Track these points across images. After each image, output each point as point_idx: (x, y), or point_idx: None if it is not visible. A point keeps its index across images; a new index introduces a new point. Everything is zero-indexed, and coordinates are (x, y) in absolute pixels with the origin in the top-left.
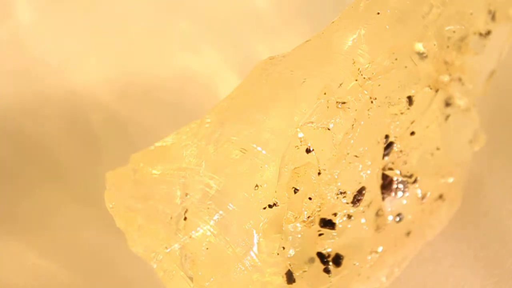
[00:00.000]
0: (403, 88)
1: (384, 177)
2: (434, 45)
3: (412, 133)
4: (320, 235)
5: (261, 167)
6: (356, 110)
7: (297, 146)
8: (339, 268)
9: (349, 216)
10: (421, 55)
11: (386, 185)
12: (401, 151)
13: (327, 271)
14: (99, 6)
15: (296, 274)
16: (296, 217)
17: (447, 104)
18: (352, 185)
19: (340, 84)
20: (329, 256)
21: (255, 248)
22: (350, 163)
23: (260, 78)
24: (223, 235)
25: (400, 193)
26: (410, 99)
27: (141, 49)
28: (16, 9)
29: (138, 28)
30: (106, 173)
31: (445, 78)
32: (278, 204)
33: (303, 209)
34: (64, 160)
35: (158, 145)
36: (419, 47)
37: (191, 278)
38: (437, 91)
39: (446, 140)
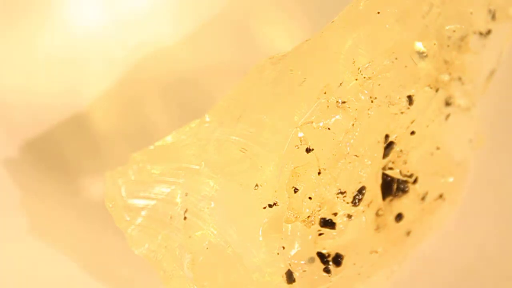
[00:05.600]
0: (403, 87)
1: (384, 176)
2: (434, 44)
3: (412, 133)
4: (320, 234)
5: (261, 166)
6: (356, 109)
7: (297, 146)
8: (339, 268)
9: (349, 216)
10: (421, 55)
11: (386, 184)
12: (401, 150)
13: (327, 270)
14: (101, 5)
15: (296, 274)
16: (296, 217)
17: (447, 103)
18: (352, 185)
19: (340, 84)
20: (329, 255)
21: (255, 248)
22: (350, 162)
23: (260, 77)
24: (223, 235)
25: (400, 193)
26: (410, 99)
27: (140, 48)
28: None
29: (137, 27)
30: (105, 173)
31: (445, 77)
32: (278, 203)
33: (303, 208)
34: (64, 160)
35: (158, 145)
36: (419, 46)
37: (190, 278)
38: (437, 90)
39: (446, 140)
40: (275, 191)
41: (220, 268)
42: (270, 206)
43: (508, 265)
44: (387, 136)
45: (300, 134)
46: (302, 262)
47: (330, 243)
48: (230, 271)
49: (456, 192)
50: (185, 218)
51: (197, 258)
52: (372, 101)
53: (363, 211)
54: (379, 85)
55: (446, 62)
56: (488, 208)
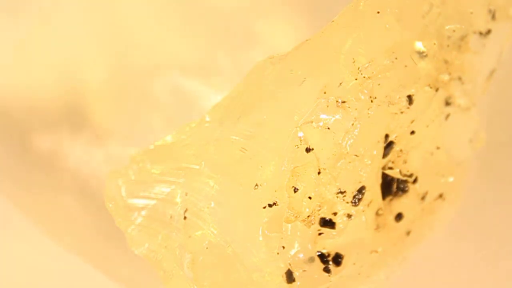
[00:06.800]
0: (403, 87)
1: (384, 176)
2: (434, 44)
3: (412, 132)
4: (320, 234)
5: (261, 166)
6: (356, 109)
7: (297, 146)
8: (339, 268)
9: (349, 216)
10: (421, 54)
11: (386, 184)
12: (401, 150)
13: (327, 270)
14: (101, 5)
15: (296, 274)
16: (296, 217)
17: (447, 103)
18: (352, 185)
19: (340, 83)
20: (329, 255)
21: (255, 248)
22: (350, 162)
23: (260, 77)
24: (223, 235)
25: (400, 193)
26: (410, 98)
27: (141, 48)
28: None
29: (137, 27)
30: (106, 173)
31: (445, 77)
32: (278, 203)
33: (303, 208)
34: (64, 160)
35: (157, 144)
36: (419, 46)
37: (190, 278)
38: (437, 90)
39: (446, 139)
40: (275, 191)
41: (220, 268)
42: (270, 206)
43: (508, 265)
44: (387, 136)
45: (300, 134)
46: (301, 259)
47: (330, 242)
48: (230, 271)
49: (456, 192)
50: (185, 218)
51: (197, 258)
52: (372, 101)
53: (363, 211)
54: (379, 84)
55: (446, 62)
56: (488, 209)
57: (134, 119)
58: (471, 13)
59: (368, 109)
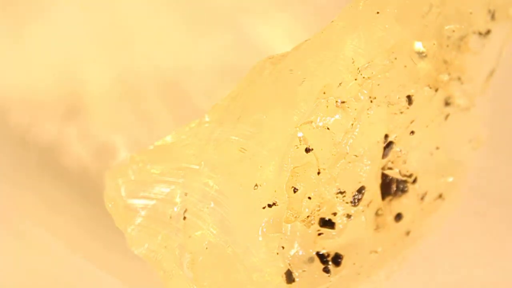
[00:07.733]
0: (402, 87)
1: (384, 176)
2: (434, 44)
3: (412, 133)
4: (319, 234)
5: (260, 166)
6: (355, 109)
7: (297, 146)
8: (339, 268)
9: (349, 216)
10: (421, 55)
11: (386, 184)
12: (400, 150)
13: (326, 270)
14: (100, 5)
15: (295, 274)
16: (295, 217)
17: (447, 103)
18: (351, 185)
19: (340, 84)
20: (328, 255)
21: (254, 248)
22: (349, 162)
23: (260, 77)
24: (223, 235)
25: (399, 193)
26: (409, 99)
27: (140, 49)
28: (16, 6)
29: (136, 28)
30: (105, 173)
31: (445, 77)
32: (277, 203)
33: (302, 208)
34: (63, 160)
35: (157, 145)
36: (419, 46)
37: (190, 278)
38: (436, 90)
39: (446, 140)
40: (275, 191)
41: (220, 268)
42: (269, 206)
43: (508, 265)
44: (386, 136)
45: (300, 134)
46: (301, 259)
47: (329, 243)
48: (230, 271)
49: (456, 192)
50: (184, 218)
51: (197, 258)
52: (371, 101)
53: (363, 211)
54: (378, 85)
55: (445, 62)
56: (488, 208)
57: (133, 118)
58: (471, 13)
59: (368, 109)
